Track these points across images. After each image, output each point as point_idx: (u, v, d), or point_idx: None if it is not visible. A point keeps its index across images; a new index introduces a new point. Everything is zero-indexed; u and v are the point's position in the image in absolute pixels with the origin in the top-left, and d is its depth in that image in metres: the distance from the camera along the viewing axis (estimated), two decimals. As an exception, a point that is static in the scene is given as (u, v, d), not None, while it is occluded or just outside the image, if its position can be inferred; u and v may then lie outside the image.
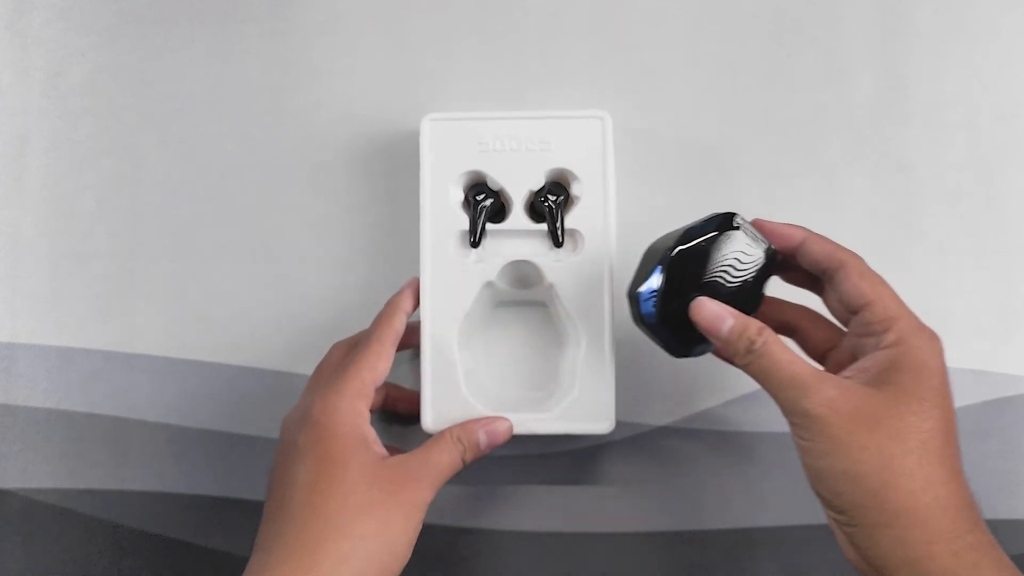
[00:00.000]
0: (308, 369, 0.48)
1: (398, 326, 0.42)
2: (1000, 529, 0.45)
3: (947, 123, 0.49)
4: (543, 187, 0.44)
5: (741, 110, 0.49)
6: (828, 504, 0.34)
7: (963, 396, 0.46)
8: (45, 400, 0.48)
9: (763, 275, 0.39)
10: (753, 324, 0.36)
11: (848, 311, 0.37)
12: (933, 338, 0.35)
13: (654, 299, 0.38)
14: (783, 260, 0.39)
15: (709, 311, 0.37)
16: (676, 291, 0.38)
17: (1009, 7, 0.49)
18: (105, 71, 0.50)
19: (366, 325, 0.48)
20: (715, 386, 0.47)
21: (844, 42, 0.49)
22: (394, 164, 0.49)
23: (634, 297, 0.39)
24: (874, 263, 0.47)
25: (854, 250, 0.38)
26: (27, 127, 0.50)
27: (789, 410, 0.34)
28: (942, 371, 0.34)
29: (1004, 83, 0.49)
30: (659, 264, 0.38)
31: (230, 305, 0.48)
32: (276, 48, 0.50)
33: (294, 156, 0.49)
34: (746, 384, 0.47)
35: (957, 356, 0.47)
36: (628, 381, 0.47)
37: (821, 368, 0.36)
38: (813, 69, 0.49)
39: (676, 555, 0.46)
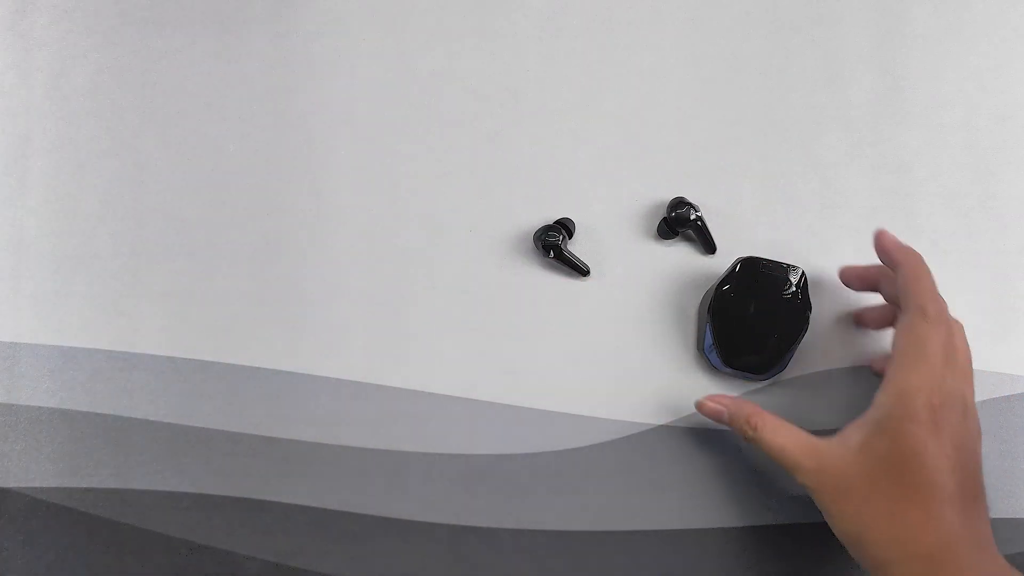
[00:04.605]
0: (307, 369, 0.48)
1: None
2: (999, 528, 0.45)
3: (945, 123, 0.49)
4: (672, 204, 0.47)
5: (739, 110, 0.49)
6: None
7: (960, 395, 0.47)
8: (47, 399, 0.48)
9: (800, 293, 0.44)
10: (742, 413, 0.41)
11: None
12: (929, 405, 0.36)
13: (715, 351, 0.45)
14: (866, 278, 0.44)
15: (709, 410, 0.44)
16: (730, 336, 0.44)
17: (1006, 8, 0.49)
18: (107, 72, 0.50)
19: (366, 326, 0.48)
20: (715, 386, 0.47)
21: (842, 43, 0.49)
22: (395, 163, 0.49)
23: (702, 353, 0.46)
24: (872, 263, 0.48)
25: (859, 248, 0.43)
26: (30, 128, 0.50)
27: (796, 481, 0.39)
28: (918, 439, 0.36)
29: (1002, 83, 0.49)
30: (707, 323, 0.45)
31: (231, 305, 0.48)
32: (277, 49, 0.50)
33: (295, 157, 0.49)
34: (745, 384, 0.47)
35: (954, 355, 0.47)
36: (628, 381, 0.47)
37: (810, 437, 0.40)
38: (811, 69, 0.49)
39: (676, 554, 0.46)
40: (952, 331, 0.39)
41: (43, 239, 0.49)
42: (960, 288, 0.47)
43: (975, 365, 0.47)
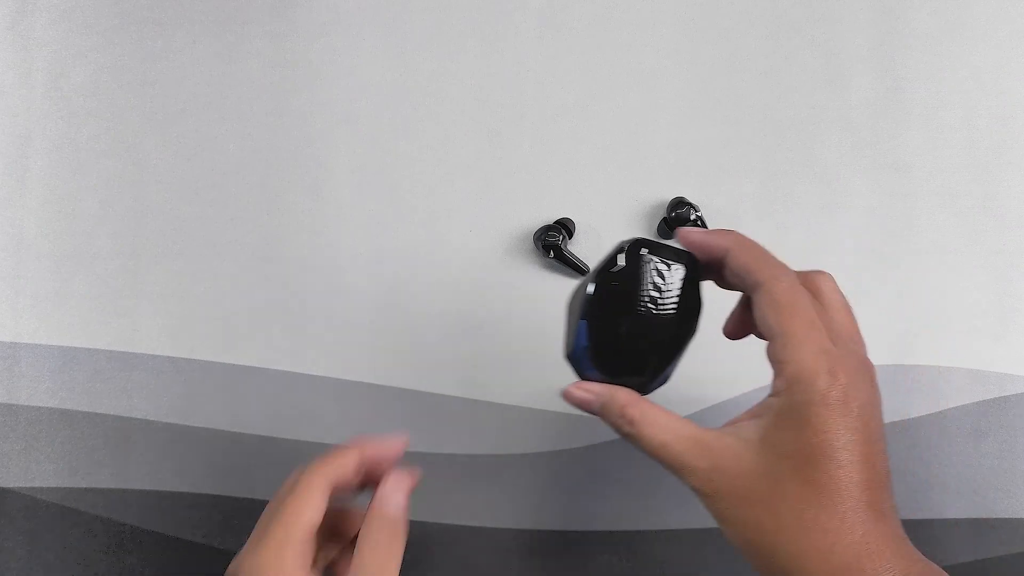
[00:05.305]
0: (308, 369, 0.48)
1: (331, 476, 0.35)
2: (997, 528, 0.45)
3: (944, 124, 0.49)
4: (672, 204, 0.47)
5: (739, 111, 0.49)
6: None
7: (960, 396, 0.47)
8: (48, 399, 0.48)
9: (691, 287, 0.34)
10: (616, 403, 0.33)
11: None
12: (832, 381, 0.30)
13: (588, 358, 0.35)
14: (708, 266, 0.35)
15: (576, 399, 0.35)
16: (608, 340, 0.34)
17: (1006, 8, 0.49)
18: (107, 72, 0.50)
19: (366, 328, 0.48)
20: (714, 385, 0.47)
21: (842, 43, 0.49)
22: (395, 163, 0.49)
23: (572, 359, 0.35)
24: (871, 263, 0.48)
25: (859, 248, 0.38)
26: (30, 128, 0.50)
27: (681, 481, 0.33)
28: (826, 426, 0.30)
29: (1001, 84, 0.49)
30: (581, 319, 0.34)
31: (230, 305, 0.48)
32: (277, 49, 0.50)
33: (295, 157, 0.49)
34: (745, 383, 0.47)
35: (954, 356, 0.47)
36: (627, 381, 0.47)
37: (698, 430, 0.33)
38: (811, 70, 0.49)
39: (676, 554, 0.46)
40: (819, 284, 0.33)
41: (43, 239, 0.49)
42: (959, 288, 0.47)
43: (973, 365, 0.47)
